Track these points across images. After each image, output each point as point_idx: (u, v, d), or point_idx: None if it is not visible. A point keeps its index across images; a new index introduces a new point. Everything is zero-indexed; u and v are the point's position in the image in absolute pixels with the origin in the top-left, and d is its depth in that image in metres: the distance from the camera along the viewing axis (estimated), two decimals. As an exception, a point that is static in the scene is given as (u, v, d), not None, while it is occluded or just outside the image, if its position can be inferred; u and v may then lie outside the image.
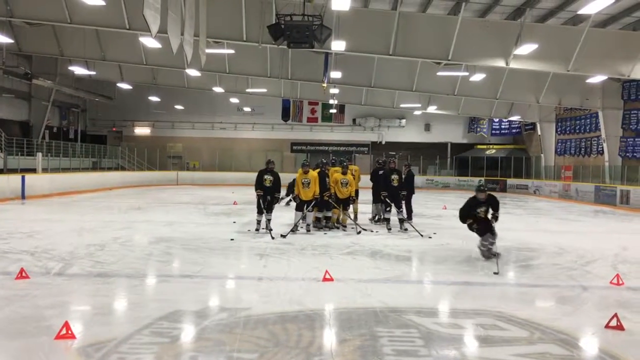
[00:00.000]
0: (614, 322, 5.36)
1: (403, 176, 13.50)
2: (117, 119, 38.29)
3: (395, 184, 12.78)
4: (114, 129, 38.76)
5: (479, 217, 9.22)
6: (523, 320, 5.62)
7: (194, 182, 34.04)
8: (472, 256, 9.62)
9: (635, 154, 24.52)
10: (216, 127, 38.77)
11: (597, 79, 21.46)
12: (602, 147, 26.38)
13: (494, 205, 9.19)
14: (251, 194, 12.46)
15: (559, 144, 31.56)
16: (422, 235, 11.80)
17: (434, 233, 12.28)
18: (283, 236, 11.21)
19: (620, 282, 7.40)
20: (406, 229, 12.58)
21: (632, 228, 15.40)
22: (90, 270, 7.76)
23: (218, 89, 29.57)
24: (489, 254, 9.16)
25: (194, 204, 19.60)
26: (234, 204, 19.32)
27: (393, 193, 12.75)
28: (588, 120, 28.09)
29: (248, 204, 17.10)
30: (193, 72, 24.13)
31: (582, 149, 28.97)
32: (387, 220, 13.00)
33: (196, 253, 9.34)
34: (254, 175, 12.26)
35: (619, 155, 25.57)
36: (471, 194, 9.59)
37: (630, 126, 24.84)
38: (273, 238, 10.93)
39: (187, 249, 9.78)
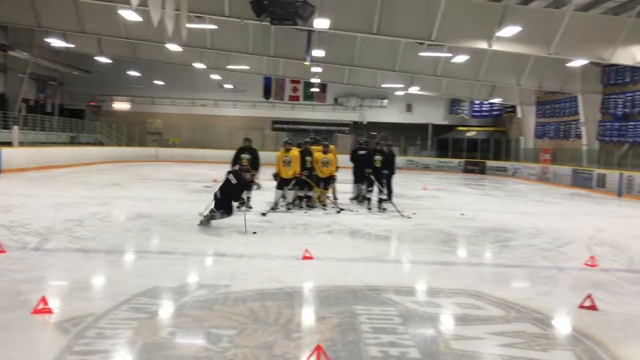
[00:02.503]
0: (587, 303, 5.47)
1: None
2: (96, 93, 37.71)
3: (378, 164, 12.84)
4: (92, 104, 38.18)
5: None
6: (499, 299, 5.71)
7: (173, 159, 33.77)
8: (451, 236, 9.72)
9: (612, 138, 24.91)
10: (197, 103, 38.42)
11: (577, 63, 21.67)
12: (581, 131, 26.72)
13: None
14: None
15: (539, 127, 31.89)
16: (402, 215, 11.87)
17: (414, 213, 12.36)
18: (263, 214, 11.20)
19: (595, 263, 7.55)
20: (385, 209, 12.65)
21: (607, 211, 15.68)
22: (68, 245, 7.69)
23: (199, 65, 29.22)
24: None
25: (173, 181, 19.46)
26: (213, 181, 19.23)
27: (375, 173, 12.81)
28: (567, 104, 28.39)
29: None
30: (174, 47, 23.77)
31: (561, 133, 29.33)
32: (368, 199, 13.07)
33: (175, 230, 9.29)
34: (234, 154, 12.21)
35: (597, 139, 25.96)
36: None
37: (609, 110, 25.19)
38: (250, 208, 10.86)
39: (167, 225, 9.73)
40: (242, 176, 9.89)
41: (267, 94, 38.27)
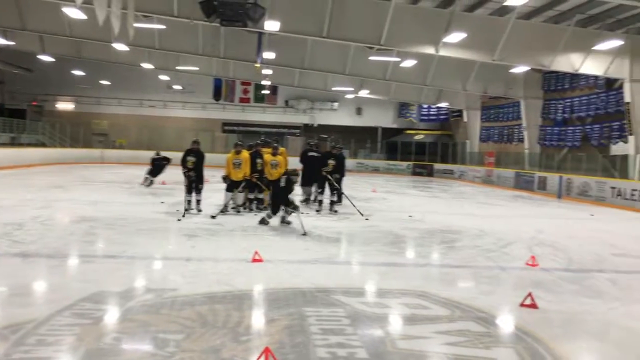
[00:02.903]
0: (528, 301, 5.66)
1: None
2: (38, 93, 36.42)
3: (330, 168, 12.86)
4: (34, 103, 36.83)
5: None
6: (445, 299, 5.85)
7: (120, 161, 32.96)
8: (399, 238, 9.88)
9: (552, 142, 25.86)
10: (145, 104, 37.67)
11: (520, 69, 22.43)
12: (523, 135, 27.62)
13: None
14: (180, 174, 12.23)
15: (483, 131, 32.77)
16: (362, 215, 12.09)
17: (368, 215, 12.43)
18: (212, 217, 11.09)
19: (535, 263, 7.82)
20: (336, 211, 12.74)
21: (547, 212, 16.26)
22: (7, 249, 7.40)
23: (147, 65, 28.66)
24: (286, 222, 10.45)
25: (119, 183, 19.01)
26: (162, 183, 18.89)
27: (328, 176, 12.83)
28: (511, 109, 29.30)
29: (177, 184, 16.76)
30: (120, 47, 23.25)
31: (505, 137, 30.24)
32: (320, 202, 13.11)
33: (121, 233, 9.09)
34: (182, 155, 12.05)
35: (538, 143, 26.90)
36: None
37: (549, 115, 26.15)
38: (179, 220, 10.72)
39: (112, 228, 9.50)
40: (292, 180, 10.42)
41: (217, 95, 37.87)
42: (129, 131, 36.49)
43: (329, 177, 12.83)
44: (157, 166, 18.67)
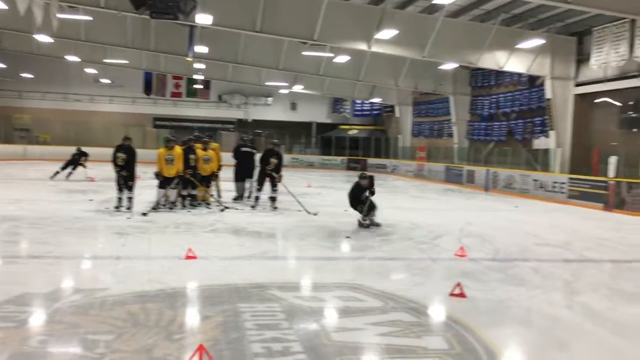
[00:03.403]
0: (457, 291, 5.87)
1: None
2: (-46, 86, 34.29)
3: (272, 166, 12.67)
4: (-51, 97, 34.69)
5: (363, 202, 10.53)
6: (378, 291, 5.97)
7: (44, 157, 31.51)
8: (334, 232, 9.99)
9: (479, 137, 26.81)
10: (70, 98, 36.18)
11: (449, 66, 23.11)
12: (452, 130, 28.48)
13: (371, 184, 10.69)
14: (109, 171, 11.86)
15: (415, 126, 33.55)
16: (308, 212, 11.99)
17: (315, 213, 12.47)
18: (144, 214, 10.82)
19: (464, 254, 8.10)
20: (276, 207, 12.65)
21: (475, 205, 16.87)
22: None
23: (72, 58, 27.55)
24: (370, 225, 10.50)
25: (44, 181, 18.20)
26: (91, 180, 18.27)
27: (270, 174, 12.69)
28: (441, 104, 30.13)
29: (106, 181, 16.24)
30: (44, 38, 22.20)
31: (435, 132, 31.08)
32: (257, 198, 12.95)
33: (47, 232, 8.74)
34: (110, 152, 11.69)
35: (466, 138, 27.82)
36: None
37: (477, 111, 27.09)
38: (129, 218, 10.45)
39: (37, 227, 9.11)
40: (371, 179, 10.80)
41: (147, 89, 36.88)
42: (54, 126, 34.92)
43: (273, 174, 12.65)
44: (72, 160, 18.67)
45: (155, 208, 11.46)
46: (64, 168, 18.60)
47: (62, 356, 3.98)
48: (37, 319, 4.74)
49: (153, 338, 4.27)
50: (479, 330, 4.79)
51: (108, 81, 35.61)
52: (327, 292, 5.91)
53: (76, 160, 18.77)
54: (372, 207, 10.57)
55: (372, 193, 10.68)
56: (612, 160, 15.73)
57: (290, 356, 4.04)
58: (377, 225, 10.56)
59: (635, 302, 6.07)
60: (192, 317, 4.96)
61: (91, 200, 13.11)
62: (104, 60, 28.43)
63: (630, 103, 18.47)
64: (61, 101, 36.02)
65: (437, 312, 5.48)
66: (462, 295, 5.81)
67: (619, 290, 6.55)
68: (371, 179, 10.84)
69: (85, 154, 18.88)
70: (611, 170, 15.76)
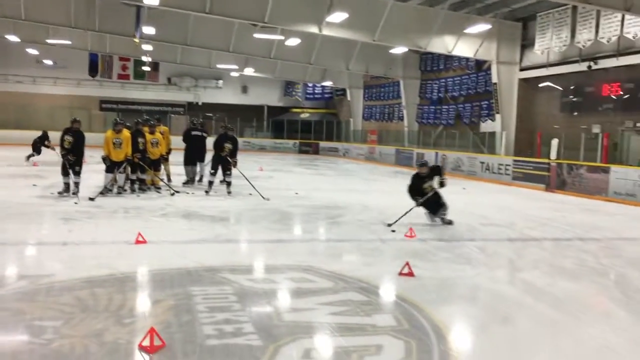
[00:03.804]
0: (406, 270, 6.02)
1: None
2: None
3: (226, 151, 12.46)
4: None
5: (426, 193, 9.35)
6: (329, 272, 6.06)
7: (-18, 142, 30.27)
8: (286, 215, 10.03)
9: (429, 121, 27.27)
10: (10, 80, 34.68)
11: (399, 50, 23.32)
12: (403, 114, 28.86)
13: (437, 172, 9.60)
14: (53, 155, 11.52)
15: (366, 110, 33.81)
16: (262, 197, 11.82)
17: (268, 199, 12.37)
18: (91, 199, 10.58)
19: (413, 234, 8.29)
20: (230, 192, 12.47)
21: (425, 187, 17.18)
22: None
23: (12, 38, 26.36)
24: (447, 222, 9.47)
25: (-16, 166, 17.50)
26: (33, 165, 17.67)
27: (223, 159, 12.51)
28: (391, 88, 30.44)
29: (51, 166, 15.75)
30: (-20, 16, 21.18)
31: (386, 115, 31.39)
32: (210, 183, 12.77)
33: (-12, 219, 8.44)
34: (57, 135, 11.35)
35: (416, 121, 28.24)
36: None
37: (426, 95, 27.51)
38: (76, 203, 10.20)
39: (-23, 215, 8.79)
40: (439, 168, 9.99)
41: (93, 71, 35.77)
42: (-7, 109, 33.52)
43: (228, 159, 12.42)
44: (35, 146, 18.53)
45: (104, 193, 11.22)
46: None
47: (8, 344, 3.90)
48: (-21, 307, 4.61)
49: (103, 323, 4.23)
50: (426, 308, 4.94)
51: (51, 62, 34.31)
52: (279, 274, 5.96)
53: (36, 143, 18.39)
54: (440, 204, 9.43)
55: (442, 184, 9.39)
56: (554, 142, 16.32)
57: (242, 337, 4.08)
58: (450, 223, 9.45)
59: (573, 279, 6.37)
60: (142, 301, 4.93)
61: (35, 185, 12.70)
62: (47, 41, 27.35)
63: (572, 87, 19.15)
64: (1, 82, 34.53)
65: (386, 291, 5.62)
66: (410, 274, 5.97)
67: (559, 267, 6.86)
68: (438, 167, 9.94)
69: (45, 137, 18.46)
70: (553, 153, 16.35)
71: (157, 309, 4.65)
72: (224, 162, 12.44)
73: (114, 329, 4.13)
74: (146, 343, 3.72)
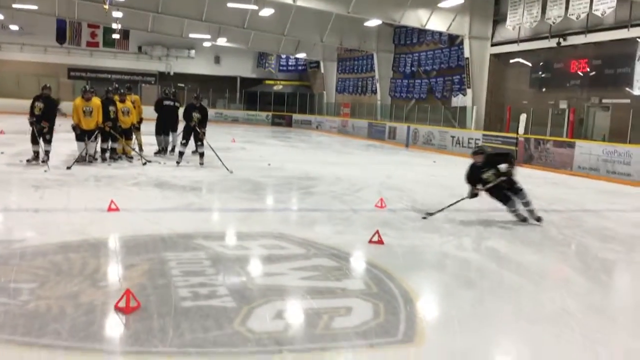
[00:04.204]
0: (375, 238, 6.19)
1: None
2: None
3: (194, 121, 12.31)
4: None
5: (488, 183, 7.76)
6: (301, 239, 6.20)
7: (-54, 109, 29.44)
8: (259, 185, 10.11)
9: (402, 94, 27.42)
10: (-26, 45, 33.66)
11: (373, 22, 23.27)
12: (376, 87, 28.94)
13: (500, 160, 7.95)
14: (21, 123, 11.34)
15: (340, 83, 33.79)
16: (227, 169, 11.55)
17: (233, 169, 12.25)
18: (68, 168, 10.46)
19: (383, 205, 8.47)
20: (202, 163, 12.35)
21: (396, 160, 17.43)
22: None
23: (-25, 1, 25.54)
24: (521, 219, 7.88)
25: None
26: (0, 133, 17.33)
27: (194, 130, 12.37)
28: (365, 61, 30.42)
29: (18, 134, 15.47)
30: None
31: (359, 88, 31.44)
32: (181, 153, 12.62)
33: (-44, 186, 8.34)
34: (23, 103, 11.14)
35: (389, 95, 28.37)
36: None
37: (399, 69, 27.60)
38: (46, 171, 10.09)
39: (-55, 181, 8.67)
40: (498, 156, 8.32)
41: (61, 38, 34.86)
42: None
43: (197, 129, 12.27)
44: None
45: (79, 161, 11.10)
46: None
47: (-17, 305, 3.94)
48: (-48, 270, 4.63)
49: (78, 285, 4.30)
50: (394, 273, 5.12)
51: (17, 28, 33.29)
52: (252, 241, 6.08)
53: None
54: (506, 198, 7.81)
55: (508, 173, 7.66)
56: (522, 118, 16.63)
57: (216, 299, 4.20)
58: (539, 220, 7.80)
59: (536, 248, 6.62)
60: (116, 265, 4.99)
61: (2, 152, 12.50)
62: (13, 5, 26.51)
63: (541, 64, 19.46)
64: (-36, 48, 33.50)
65: (357, 258, 5.79)
66: (380, 242, 6.14)
67: (523, 237, 7.11)
68: (502, 155, 8.47)
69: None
70: (521, 127, 16.67)
71: (131, 273, 4.73)
72: (196, 132, 12.34)
73: (89, 291, 4.20)
74: (122, 304, 3.81)
